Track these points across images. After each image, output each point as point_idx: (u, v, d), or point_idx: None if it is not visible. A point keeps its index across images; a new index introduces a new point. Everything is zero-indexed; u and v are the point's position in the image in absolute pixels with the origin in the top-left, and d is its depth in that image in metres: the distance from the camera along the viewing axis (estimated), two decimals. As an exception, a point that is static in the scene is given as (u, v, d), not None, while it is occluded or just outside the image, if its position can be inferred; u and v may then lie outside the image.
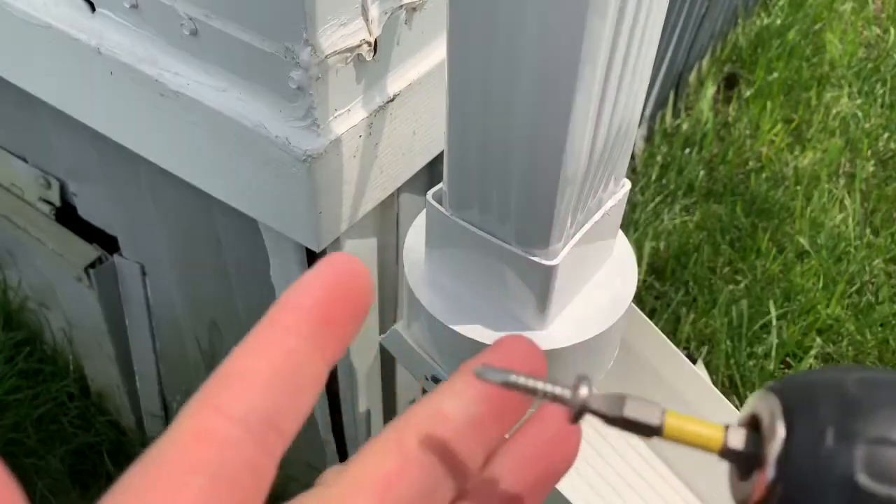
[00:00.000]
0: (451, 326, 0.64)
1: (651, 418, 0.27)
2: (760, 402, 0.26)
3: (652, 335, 0.78)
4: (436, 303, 0.65)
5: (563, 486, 0.69)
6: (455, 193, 0.59)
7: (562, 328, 0.64)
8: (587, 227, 0.60)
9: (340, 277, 0.26)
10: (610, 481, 0.84)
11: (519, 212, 0.56)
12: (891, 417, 0.23)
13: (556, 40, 0.44)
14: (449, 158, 0.57)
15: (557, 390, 0.28)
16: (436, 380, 0.71)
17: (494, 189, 0.56)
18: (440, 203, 0.61)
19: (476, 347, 0.63)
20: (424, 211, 0.64)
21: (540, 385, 0.28)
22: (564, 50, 0.45)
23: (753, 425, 0.27)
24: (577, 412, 0.28)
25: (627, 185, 0.63)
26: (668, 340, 0.77)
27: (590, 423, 0.85)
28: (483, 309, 0.64)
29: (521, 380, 0.28)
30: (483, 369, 0.28)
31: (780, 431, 0.25)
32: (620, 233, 0.69)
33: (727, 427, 0.26)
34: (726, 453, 0.26)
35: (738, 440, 0.26)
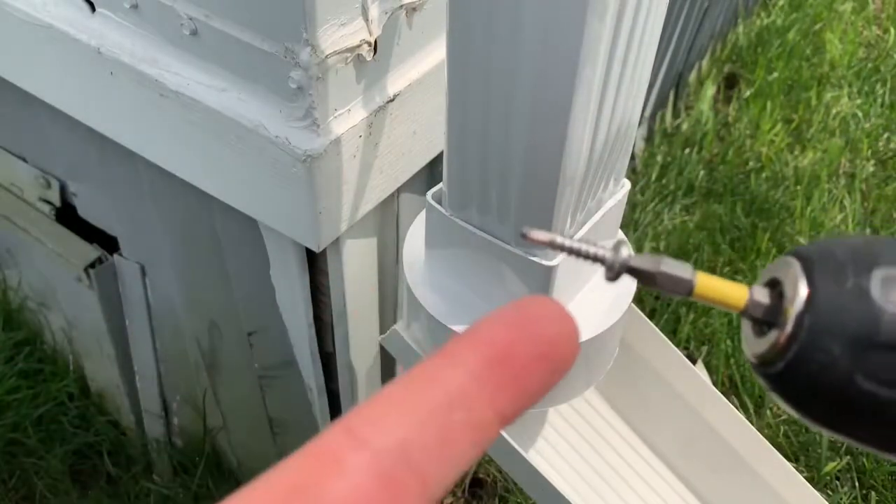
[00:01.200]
0: (450, 327, 0.64)
1: (685, 273, 0.28)
2: (779, 267, 0.28)
3: (652, 335, 0.78)
4: (435, 303, 0.65)
5: (559, 482, 0.70)
6: (455, 194, 0.59)
7: None
8: (587, 227, 0.60)
9: (539, 321, 0.22)
10: (605, 477, 0.84)
11: (518, 212, 0.55)
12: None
13: (556, 42, 0.44)
14: (448, 159, 0.57)
15: (599, 251, 0.29)
16: None
17: (494, 189, 0.55)
18: (440, 203, 0.61)
19: None
20: (424, 211, 0.64)
21: (583, 246, 0.30)
22: (564, 51, 0.45)
23: (773, 287, 0.28)
24: (618, 271, 0.29)
25: (627, 185, 0.63)
26: (668, 340, 0.77)
27: (586, 422, 0.84)
28: (483, 309, 0.64)
29: (566, 242, 0.30)
30: (529, 228, 0.30)
31: (802, 289, 0.26)
32: (621, 233, 0.69)
33: (751, 286, 0.28)
34: (750, 309, 0.28)
35: (762, 296, 0.28)
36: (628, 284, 0.67)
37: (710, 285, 0.28)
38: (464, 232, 0.60)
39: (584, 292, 0.67)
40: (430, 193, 0.61)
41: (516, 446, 0.69)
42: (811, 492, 0.77)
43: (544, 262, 0.57)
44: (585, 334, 0.64)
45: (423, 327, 0.67)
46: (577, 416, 0.86)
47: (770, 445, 0.77)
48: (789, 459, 1.38)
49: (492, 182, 0.55)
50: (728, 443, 0.79)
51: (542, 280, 0.59)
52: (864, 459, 1.38)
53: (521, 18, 0.45)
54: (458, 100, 0.52)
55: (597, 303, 0.66)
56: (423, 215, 0.65)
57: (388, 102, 0.69)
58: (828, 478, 1.36)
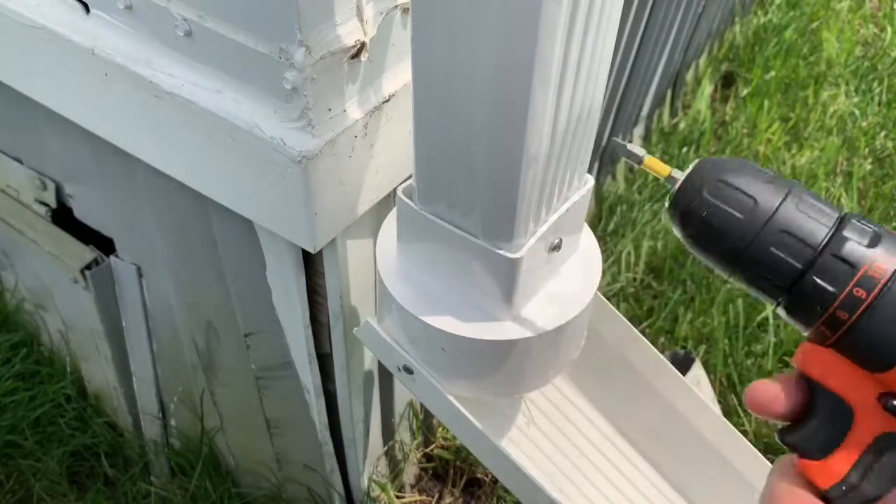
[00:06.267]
0: (421, 318, 0.65)
1: (642, 153, 0.49)
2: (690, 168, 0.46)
3: (618, 323, 0.81)
4: (407, 295, 0.67)
5: (532, 469, 0.71)
6: (424, 188, 0.60)
7: (528, 318, 0.66)
8: (551, 220, 0.62)
9: None
10: (578, 464, 0.86)
11: (484, 203, 0.57)
12: (735, 170, 0.43)
13: (515, 22, 0.46)
14: (417, 152, 0.58)
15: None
16: (408, 370, 0.72)
17: (461, 179, 0.57)
18: (410, 198, 0.62)
19: (446, 338, 0.65)
20: (396, 206, 0.66)
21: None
22: (523, 31, 0.46)
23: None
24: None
25: (591, 181, 0.65)
26: (633, 327, 0.80)
27: (559, 410, 0.85)
28: (452, 300, 0.66)
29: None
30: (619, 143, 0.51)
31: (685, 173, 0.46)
32: (586, 227, 0.71)
33: (673, 170, 0.47)
34: (668, 179, 0.47)
35: (678, 174, 0.46)
36: (593, 274, 0.70)
37: (653, 163, 0.49)
38: (433, 226, 0.62)
39: (551, 283, 0.68)
40: (400, 189, 0.63)
41: (489, 435, 0.70)
42: None
43: (509, 255, 0.59)
44: (551, 324, 0.66)
45: (395, 319, 0.69)
46: (550, 405, 0.88)
47: (736, 431, 0.80)
48: (787, 458, 1.38)
49: (458, 172, 0.56)
50: (696, 429, 0.82)
51: (508, 272, 0.60)
52: (863, 458, 1.38)
53: (481, 4, 0.46)
54: (423, 88, 0.53)
55: (563, 293, 0.68)
56: (395, 211, 0.67)
57: (383, 103, 0.69)
58: (826, 476, 1.36)
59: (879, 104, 2.23)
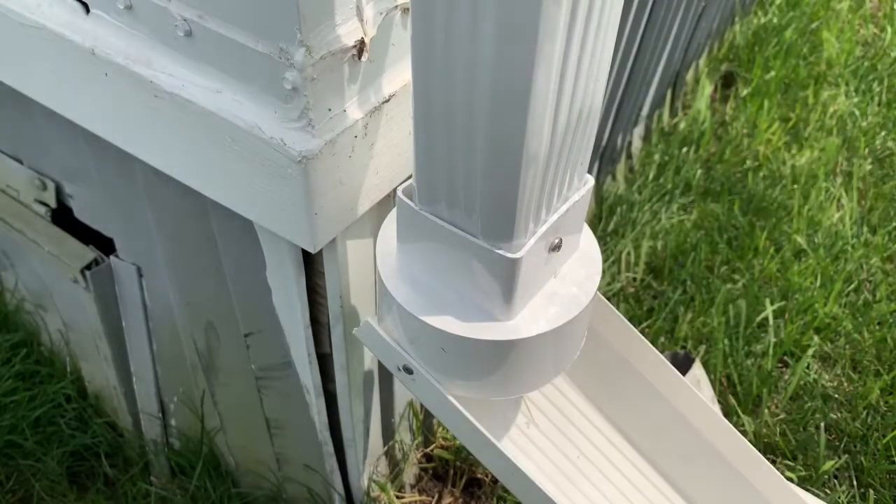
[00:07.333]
0: (421, 318, 0.66)
1: None
2: None
3: (619, 324, 0.81)
4: (407, 295, 0.67)
5: (532, 470, 0.71)
6: (424, 188, 0.60)
7: (528, 319, 0.66)
8: (551, 220, 0.62)
9: None
10: (578, 464, 0.86)
11: (484, 203, 0.57)
12: None
13: (515, 20, 0.46)
14: (417, 152, 0.59)
15: None
16: (408, 370, 0.72)
17: (460, 179, 0.57)
18: (410, 199, 0.63)
19: (446, 338, 0.65)
20: (396, 207, 0.66)
21: None
22: (523, 31, 0.46)
23: None
24: None
25: (591, 181, 0.65)
26: (633, 327, 0.80)
27: (559, 410, 0.85)
28: (452, 301, 0.66)
29: None
30: None
31: None
32: (586, 227, 0.72)
33: None
34: None
35: None
36: (593, 275, 0.70)
37: None
38: (433, 226, 0.62)
39: (551, 283, 0.69)
40: (400, 189, 0.64)
41: (489, 436, 0.70)
42: (775, 473, 0.79)
43: (509, 255, 0.59)
44: (551, 324, 0.66)
45: (395, 319, 0.70)
46: (550, 405, 0.88)
47: (736, 431, 0.80)
48: (787, 458, 1.38)
49: (458, 171, 0.57)
50: (696, 429, 0.82)
51: (508, 272, 0.61)
52: (862, 458, 1.38)
53: (481, 4, 0.46)
54: (423, 88, 0.54)
55: (563, 294, 0.68)
56: (395, 211, 0.67)
57: (383, 103, 0.69)
58: (826, 476, 1.36)
59: (879, 104, 2.24)
